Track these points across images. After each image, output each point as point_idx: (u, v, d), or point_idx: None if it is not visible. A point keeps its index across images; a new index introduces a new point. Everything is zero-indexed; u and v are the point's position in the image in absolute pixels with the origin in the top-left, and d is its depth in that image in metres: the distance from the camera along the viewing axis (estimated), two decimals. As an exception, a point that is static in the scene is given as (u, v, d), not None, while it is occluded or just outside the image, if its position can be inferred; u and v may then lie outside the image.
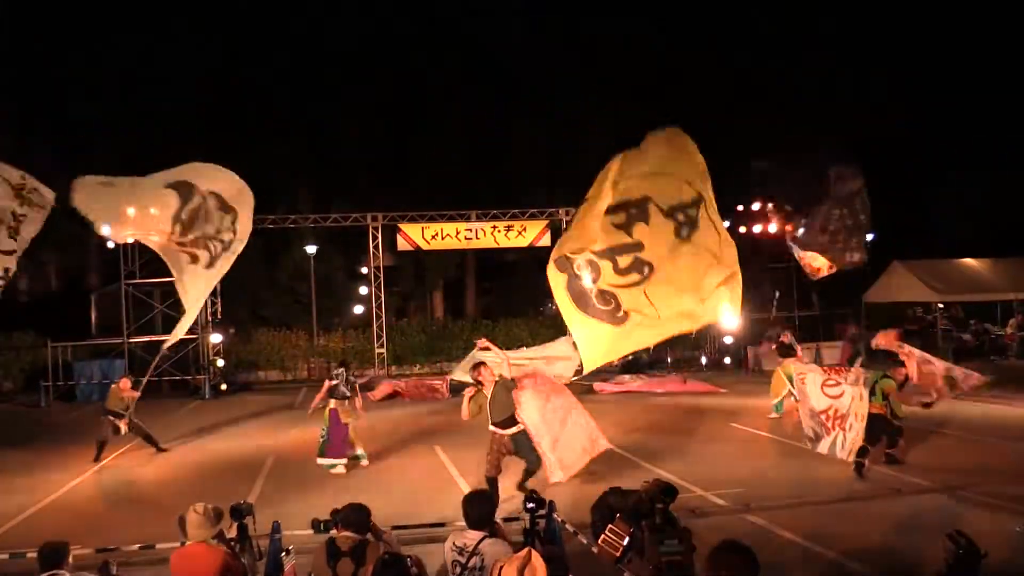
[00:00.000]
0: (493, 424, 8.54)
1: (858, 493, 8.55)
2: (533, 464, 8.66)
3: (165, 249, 11.25)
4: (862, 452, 9.43)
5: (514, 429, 8.55)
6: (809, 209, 14.61)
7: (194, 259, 11.07)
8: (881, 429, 9.56)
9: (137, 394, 12.54)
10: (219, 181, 11.07)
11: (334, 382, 10.78)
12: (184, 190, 10.79)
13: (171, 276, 19.48)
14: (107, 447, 12.12)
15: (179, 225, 10.83)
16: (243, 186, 11.21)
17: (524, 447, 8.58)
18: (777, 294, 24.84)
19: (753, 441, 11.86)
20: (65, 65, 25.97)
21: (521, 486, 8.41)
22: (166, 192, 10.73)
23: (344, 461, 10.51)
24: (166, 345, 13.08)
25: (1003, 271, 22.75)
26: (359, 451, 10.80)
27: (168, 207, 10.72)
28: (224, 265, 11.24)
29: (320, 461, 10.52)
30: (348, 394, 10.74)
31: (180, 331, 12.25)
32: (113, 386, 12.71)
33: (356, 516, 4.46)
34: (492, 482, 8.39)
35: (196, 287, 11.46)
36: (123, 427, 12.23)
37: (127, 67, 25.98)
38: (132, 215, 10.61)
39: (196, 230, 10.88)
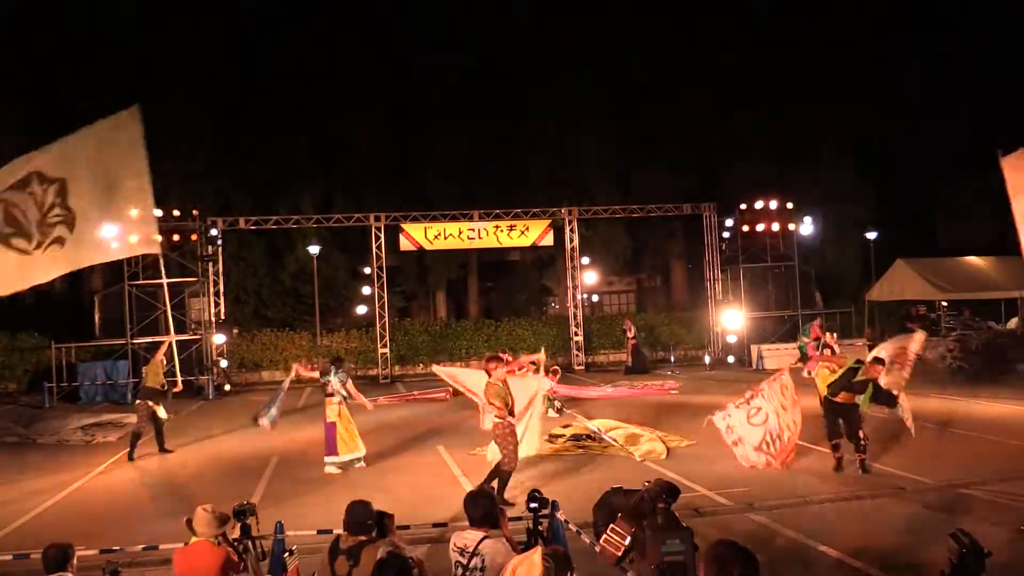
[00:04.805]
0: (511, 415, 8.56)
1: (861, 492, 8.55)
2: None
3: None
4: (836, 448, 9.45)
5: (515, 419, 8.74)
6: None
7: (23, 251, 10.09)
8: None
9: (170, 338, 12.57)
10: (36, 158, 10.24)
11: (322, 380, 10.80)
12: None
13: (175, 278, 19.15)
14: (141, 440, 12.05)
15: (17, 240, 9.96)
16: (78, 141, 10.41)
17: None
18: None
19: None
20: (66, 64, 26.00)
21: (488, 483, 8.53)
22: None
23: (336, 460, 10.47)
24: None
25: (1006, 269, 22.69)
26: (341, 456, 10.50)
27: None
28: (63, 248, 10.22)
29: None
30: (343, 393, 10.65)
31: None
32: (146, 367, 12.51)
33: (350, 517, 4.42)
34: (509, 476, 8.51)
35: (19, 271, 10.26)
36: (161, 411, 12.08)
37: (129, 67, 25.99)
38: None
39: (28, 227, 9.99)
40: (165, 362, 12.54)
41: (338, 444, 10.48)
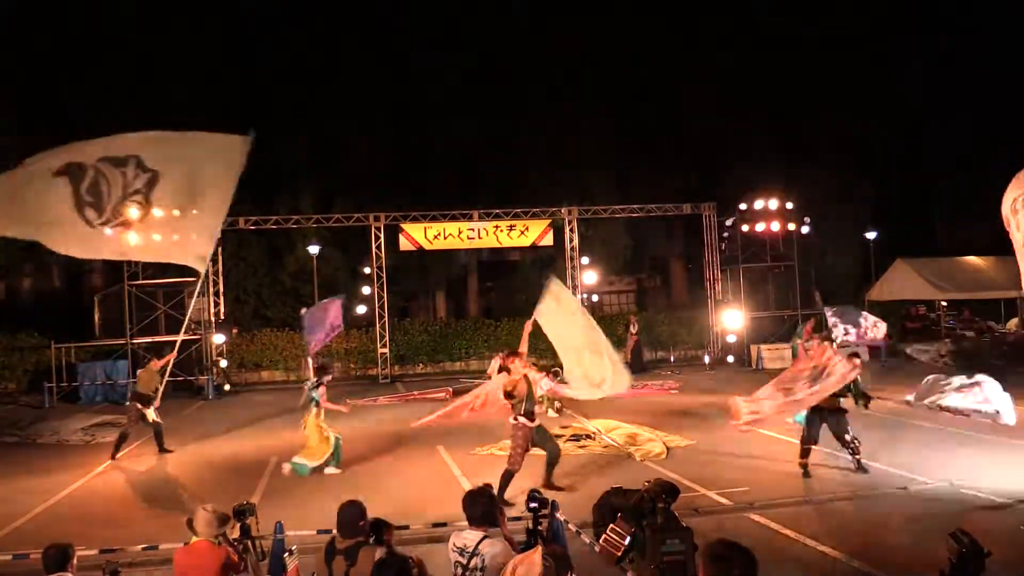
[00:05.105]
0: (524, 415, 8.55)
1: (861, 492, 8.55)
2: (554, 452, 8.75)
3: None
4: (806, 453, 9.44)
5: (538, 421, 8.72)
6: None
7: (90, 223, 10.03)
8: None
9: (172, 356, 12.49)
10: (143, 142, 10.56)
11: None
12: (73, 171, 9.92)
13: (174, 278, 19.14)
14: (127, 442, 12.13)
15: (89, 210, 9.94)
16: (188, 143, 10.77)
17: (545, 437, 8.75)
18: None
19: (756, 440, 11.83)
20: (66, 64, 25.97)
21: (549, 483, 8.51)
22: (55, 183, 9.81)
23: (318, 461, 10.47)
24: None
25: (1006, 269, 22.73)
26: (295, 459, 10.47)
27: (63, 200, 9.82)
28: (122, 234, 10.11)
29: None
30: (314, 398, 10.64)
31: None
32: (141, 371, 12.60)
33: (342, 519, 4.42)
34: (512, 476, 8.47)
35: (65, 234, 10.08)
36: (151, 413, 12.11)
37: (129, 67, 25.96)
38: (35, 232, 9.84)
39: (105, 201, 10.01)
40: (158, 373, 12.53)
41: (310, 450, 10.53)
